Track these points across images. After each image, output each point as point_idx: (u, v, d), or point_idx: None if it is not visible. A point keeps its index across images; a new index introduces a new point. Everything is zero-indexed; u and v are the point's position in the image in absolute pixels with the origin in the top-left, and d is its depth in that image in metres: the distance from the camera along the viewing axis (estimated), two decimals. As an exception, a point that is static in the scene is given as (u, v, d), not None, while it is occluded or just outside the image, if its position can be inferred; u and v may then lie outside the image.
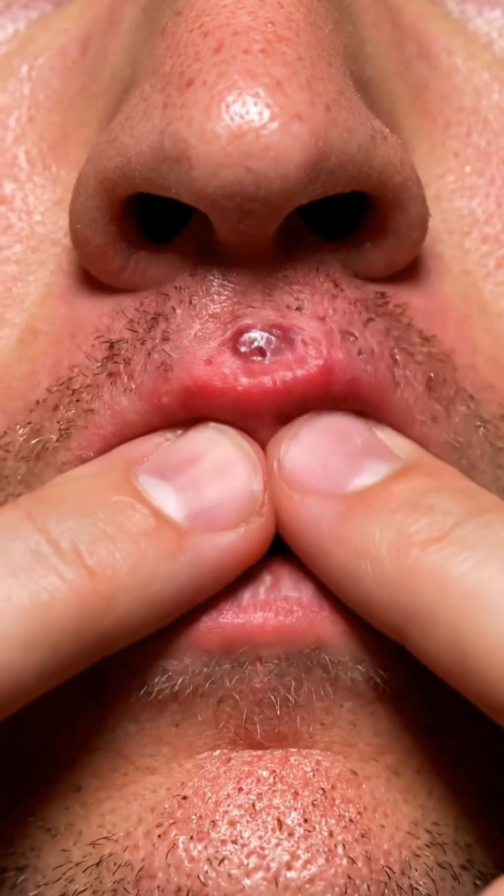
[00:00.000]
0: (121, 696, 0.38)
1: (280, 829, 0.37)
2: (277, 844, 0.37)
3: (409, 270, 0.41)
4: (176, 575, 0.37)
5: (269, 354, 0.38)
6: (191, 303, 0.38)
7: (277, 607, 0.38)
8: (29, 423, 0.40)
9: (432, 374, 0.39)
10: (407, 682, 0.38)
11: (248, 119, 0.35)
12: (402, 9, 0.43)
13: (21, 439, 0.40)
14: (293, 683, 0.38)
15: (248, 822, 0.37)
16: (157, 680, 0.38)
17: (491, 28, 0.44)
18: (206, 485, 0.38)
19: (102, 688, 0.38)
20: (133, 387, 0.39)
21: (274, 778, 0.38)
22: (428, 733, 0.39)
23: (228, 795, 0.37)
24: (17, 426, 0.40)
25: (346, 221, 0.40)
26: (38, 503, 0.37)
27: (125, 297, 0.40)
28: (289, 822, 0.37)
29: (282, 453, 0.39)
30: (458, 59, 0.44)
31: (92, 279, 0.40)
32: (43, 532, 0.36)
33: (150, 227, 0.40)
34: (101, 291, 0.40)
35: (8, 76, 0.43)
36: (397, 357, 0.39)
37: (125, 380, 0.39)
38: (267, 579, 0.39)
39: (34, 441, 0.40)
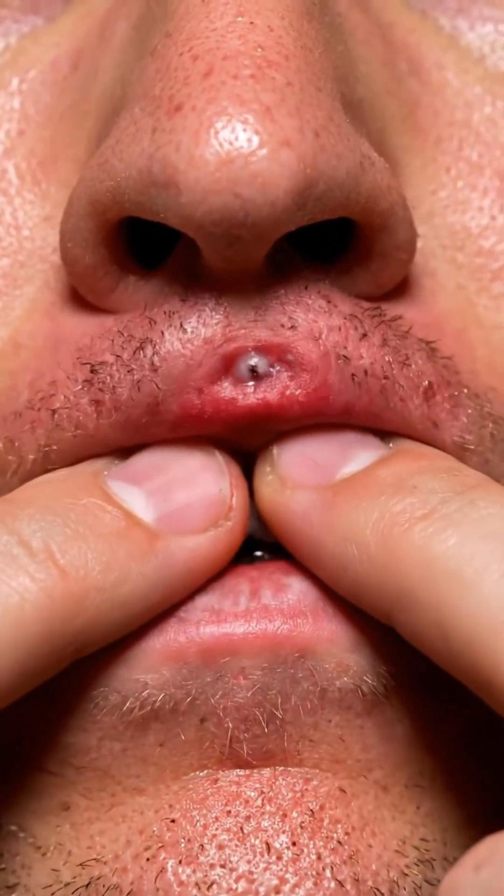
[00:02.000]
0: (102, 711, 0.38)
1: (268, 852, 0.37)
2: (266, 869, 0.37)
3: (403, 288, 0.41)
4: (147, 576, 0.38)
5: (263, 378, 0.38)
6: (181, 327, 0.38)
7: (258, 616, 0.38)
8: (6, 436, 0.40)
9: (432, 381, 0.39)
10: (395, 691, 0.38)
11: (237, 145, 0.36)
12: (393, 25, 0.43)
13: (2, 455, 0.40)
14: (279, 698, 0.38)
15: (236, 845, 0.37)
16: (137, 694, 0.38)
17: (483, 43, 0.44)
18: (174, 489, 0.39)
19: (81, 702, 0.38)
20: (121, 420, 0.39)
21: (262, 800, 0.38)
22: (416, 746, 0.39)
23: (216, 818, 0.38)
24: None
25: (333, 244, 0.40)
26: (7, 505, 0.38)
27: (110, 317, 0.40)
28: (277, 845, 0.37)
29: (275, 455, 0.39)
30: (449, 73, 0.44)
31: (78, 297, 0.40)
32: (14, 533, 0.37)
33: (140, 249, 0.40)
34: (86, 310, 0.40)
35: None
36: (392, 373, 0.39)
37: (111, 410, 0.39)
38: (246, 589, 0.39)
39: (11, 457, 0.40)
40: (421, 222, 0.41)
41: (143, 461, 0.39)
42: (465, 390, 0.40)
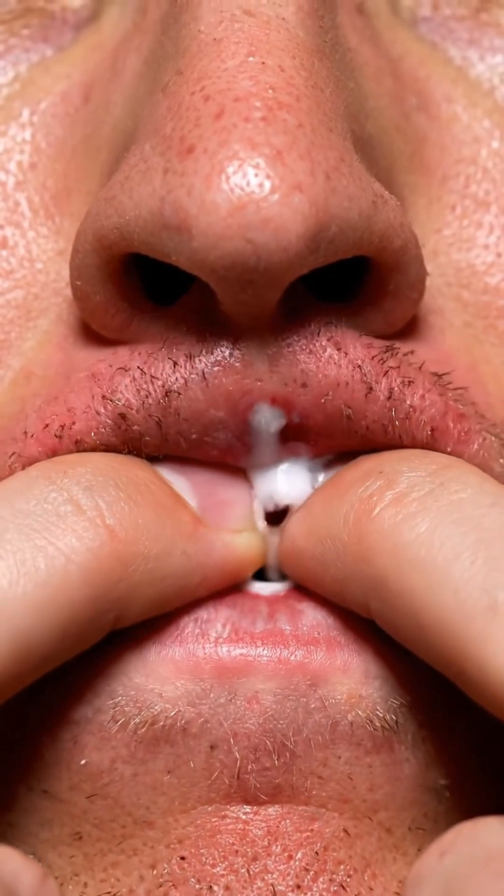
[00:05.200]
0: (117, 724, 0.38)
1: None
2: None
3: (411, 326, 0.41)
4: (191, 556, 0.38)
5: (277, 436, 0.39)
6: (203, 377, 0.38)
7: (274, 640, 0.39)
8: (15, 452, 0.40)
9: (435, 425, 0.39)
10: (404, 727, 0.39)
11: (249, 190, 0.36)
12: (403, 58, 0.43)
13: (14, 468, 0.40)
14: (290, 729, 0.38)
15: (242, 887, 0.37)
16: (151, 705, 0.38)
17: (493, 74, 0.44)
18: (218, 485, 0.40)
19: (97, 714, 0.39)
20: (151, 454, 0.39)
21: (268, 840, 0.38)
22: (422, 788, 0.39)
23: (224, 857, 0.38)
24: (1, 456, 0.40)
25: (346, 281, 0.40)
26: (54, 464, 0.38)
27: (125, 347, 0.40)
28: (281, 888, 0.37)
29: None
30: (458, 107, 0.43)
31: (91, 331, 0.40)
32: (63, 490, 0.37)
33: (151, 282, 0.40)
34: (99, 343, 0.40)
35: (9, 120, 0.43)
36: (392, 429, 0.39)
37: (142, 451, 0.39)
38: (263, 611, 0.39)
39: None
40: (426, 261, 0.41)
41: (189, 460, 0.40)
42: (479, 424, 0.40)
